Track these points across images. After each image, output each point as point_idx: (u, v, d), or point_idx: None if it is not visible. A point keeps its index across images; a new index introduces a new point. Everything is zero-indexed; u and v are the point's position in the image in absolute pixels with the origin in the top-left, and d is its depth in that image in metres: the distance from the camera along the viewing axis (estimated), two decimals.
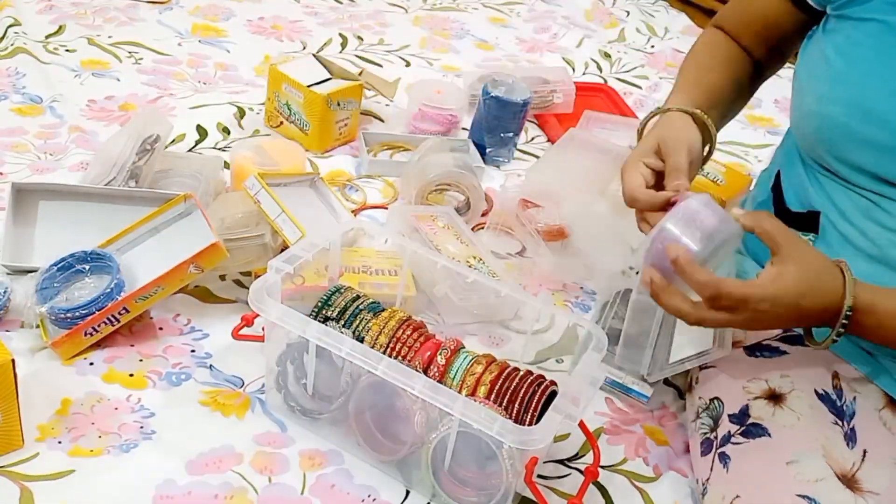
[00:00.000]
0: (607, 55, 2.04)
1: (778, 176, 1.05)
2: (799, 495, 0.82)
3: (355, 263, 1.15)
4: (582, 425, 0.93)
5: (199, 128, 1.47)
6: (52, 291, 1.01)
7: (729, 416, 0.93)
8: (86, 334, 0.98)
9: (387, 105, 1.64)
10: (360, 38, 1.92)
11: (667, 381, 1.06)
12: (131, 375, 0.98)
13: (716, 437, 0.93)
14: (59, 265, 1.03)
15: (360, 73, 1.61)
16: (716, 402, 0.96)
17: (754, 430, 0.90)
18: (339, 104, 1.44)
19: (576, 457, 0.97)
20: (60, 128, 1.42)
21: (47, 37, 1.70)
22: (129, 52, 1.69)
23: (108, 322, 0.99)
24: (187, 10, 1.90)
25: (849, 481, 0.84)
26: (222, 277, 1.14)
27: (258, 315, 0.90)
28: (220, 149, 1.43)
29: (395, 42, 1.93)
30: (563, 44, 2.07)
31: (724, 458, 0.90)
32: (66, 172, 1.30)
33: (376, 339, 0.92)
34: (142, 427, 0.92)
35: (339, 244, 1.04)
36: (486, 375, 0.90)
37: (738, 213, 0.85)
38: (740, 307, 0.81)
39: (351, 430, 0.91)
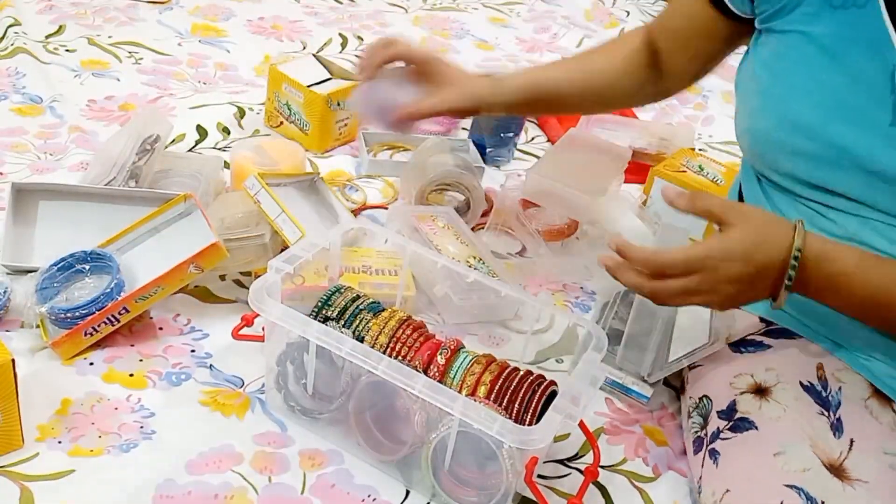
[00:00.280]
0: None
1: (741, 189, 1.08)
2: (787, 485, 0.82)
3: (355, 263, 1.15)
4: (582, 425, 0.93)
5: (199, 128, 1.47)
6: (52, 291, 1.01)
7: (717, 412, 0.93)
8: (86, 334, 0.98)
9: None
10: (360, 38, 1.92)
11: (666, 382, 1.07)
12: (131, 375, 0.98)
13: (706, 435, 0.93)
14: (59, 265, 1.03)
15: None
16: (704, 399, 0.97)
17: (742, 425, 0.90)
18: (339, 104, 1.44)
19: (576, 457, 0.97)
20: (60, 128, 1.42)
21: (47, 37, 1.70)
22: (129, 52, 1.69)
23: (108, 322, 0.99)
24: (187, 10, 1.90)
25: (836, 470, 0.84)
26: (222, 277, 1.14)
27: (258, 315, 0.90)
28: (220, 149, 1.43)
29: None
30: (563, 44, 2.07)
31: (713, 454, 0.90)
32: (66, 172, 1.30)
33: (376, 339, 0.92)
34: (142, 427, 0.92)
35: (339, 244, 1.04)
36: (486, 375, 0.90)
37: (671, 194, 0.86)
38: (689, 271, 0.82)
39: (351, 429, 0.91)
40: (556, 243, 1.30)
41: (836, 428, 0.88)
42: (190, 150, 1.41)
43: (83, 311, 0.98)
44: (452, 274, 1.08)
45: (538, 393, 0.89)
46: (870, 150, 0.86)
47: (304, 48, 1.84)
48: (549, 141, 1.64)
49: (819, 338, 0.96)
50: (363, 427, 0.91)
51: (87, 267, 1.04)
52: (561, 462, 0.96)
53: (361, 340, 0.92)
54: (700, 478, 0.91)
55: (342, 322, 0.94)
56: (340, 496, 0.88)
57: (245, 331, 0.99)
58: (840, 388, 0.91)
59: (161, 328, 1.05)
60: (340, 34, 1.92)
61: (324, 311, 0.95)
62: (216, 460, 0.90)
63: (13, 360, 0.82)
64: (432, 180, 1.29)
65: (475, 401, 0.84)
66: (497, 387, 0.89)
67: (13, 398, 0.84)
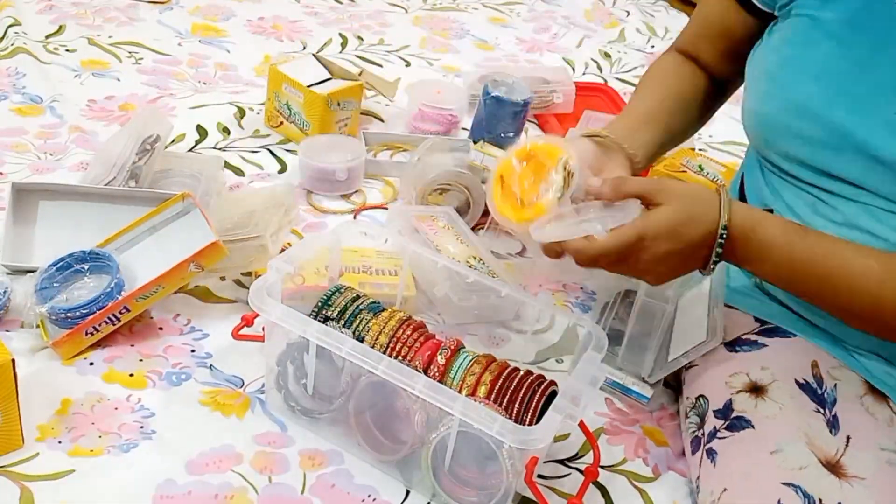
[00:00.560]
0: (607, 55, 2.04)
1: (742, 178, 1.08)
2: (784, 483, 0.82)
3: (355, 263, 1.15)
4: (582, 425, 0.93)
5: (199, 128, 1.47)
6: (51, 291, 1.01)
7: (714, 411, 0.94)
8: (86, 334, 0.98)
9: (387, 105, 1.64)
10: (360, 38, 1.92)
11: (666, 383, 1.07)
12: (131, 375, 0.98)
13: (703, 434, 0.93)
14: (58, 265, 1.03)
15: (360, 73, 1.61)
16: (701, 399, 0.97)
17: (738, 424, 0.90)
18: (339, 104, 1.44)
19: (576, 457, 0.97)
20: (60, 128, 1.42)
21: (47, 37, 1.70)
22: (129, 52, 1.69)
23: (108, 321, 0.99)
24: (187, 10, 1.91)
25: (833, 467, 0.83)
26: (222, 278, 1.14)
27: (258, 315, 0.90)
28: (220, 149, 1.43)
29: (395, 42, 1.93)
30: (563, 44, 2.07)
31: (711, 453, 0.90)
32: (66, 172, 1.30)
33: (376, 339, 0.92)
34: (142, 427, 0.92)
35: (339, 244, 1.04)
36: (486, 375, 0.90)
37: (594, 183, 0.88)
38: (621, 258, 0.85)
39: (351, 430, 0.91)
40: None
41: (832, 425, 0.88)
42: (190, 150, 1.41)
43: (84, 311, 0.98)
44: (452, 274, 1.08)
45: (538, 393, 0.89)
46: (872, 136, 0.87)
47: (304, 48, 1.84)
48: None
49: (816, 333, 0.97)
50: (363, 427, 0.91)
51: (86, 266, 1.04)
52: (561, 462, 0.96)
53: (361, 340, 0.92)
54: (698, 477, 0.91)
55: (342, 322, 0.94)
56: (340, 496, 0.88)
57: (245, 331, 0.99)
58: (835, 386, 0.91)
59: (161, 328, 1.05)
60: (340, 34, 1.92)
61: (324, 311, 0.95)
62: (216, 460, 0.90)
63: (13, 360, 0.82)
64: (432, 180, 1.29)
65: (475, 401, 0.84)
66: (497, 387, 0.89)
67: (13, 398, 0.84)
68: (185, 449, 0.90)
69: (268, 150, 1.45)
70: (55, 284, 1.02)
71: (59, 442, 0.89)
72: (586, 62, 1.98)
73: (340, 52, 1.85)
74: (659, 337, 1.04)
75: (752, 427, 0.89)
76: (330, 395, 0.92)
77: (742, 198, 1.06)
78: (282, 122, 1.48)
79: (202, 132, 1.46)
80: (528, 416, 0.88)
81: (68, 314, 0.98)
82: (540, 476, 0.93)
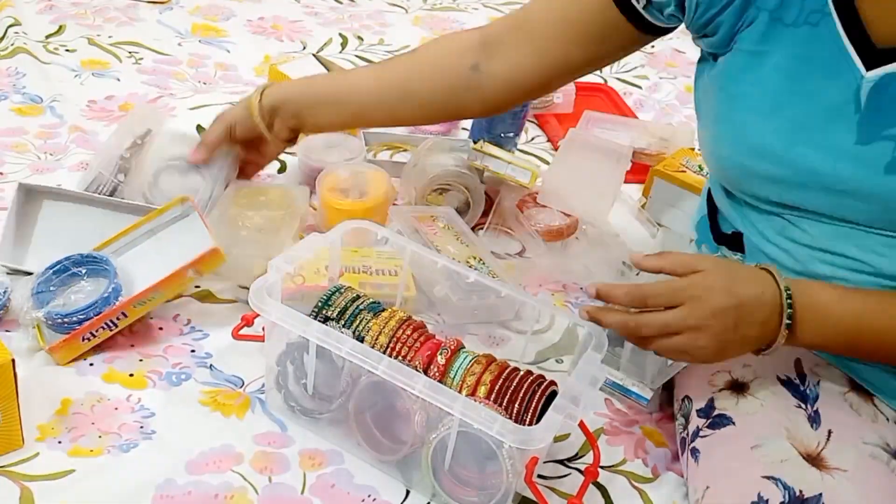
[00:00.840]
0: None
1: (710, 197, 1.06)
2: (764, 476, 0.81)
3: (355, 263, 1.15)
4: (582, 425, 0.93)
5: (199, 128, 1.46)
6: (48, 296, 1.01)
7: (697, 411, 0.94)
8: (83, 339, 0.98)
9: None
10: (360, 38, 1.92)
11: (665, 385, 1.06)
12: (131, 375, 0.98)
13: (687, 434, 0.93)
14: (55, 268, 1.02)
15: None
16: (686, 400, 0.97)
17: (720, 421, 0.90)
18: None
19: (576, 457, 0.97)
20: (60, 128, 1.42)
21: (47, 37, 1.70)
22: (129, 52, 1.69)
23: (105, 327, 0.98)
24: (187, 10, 1.90)
25: (814, 460, 0.83)
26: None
27: (258, 315, 0.90)
28: None
29: (395, 42, 1.93)
30: None
31: (694, 452, 0.90)
32: (66, 172, 1.30)
33: (376, 339, 0.92)
34: (142, 427, 0.92)
35: (339, 244, 1.04)
36: (486, 375, 0.90)
37: (637, 258, 0.88)
38: (673, 300, 0.83)
39: (351, 430, 0.91)
40: (556, 243, 1.30)
41: (814, 420, 0.87)
42: None
43: (81, 317, 0.98)
44: (452, 274, 1.08)
45: (538, 393, 0.89)
46: (836, 170, 0.83)
47: (304, 48, 1.84)
48: (548, 141, 1.64)
49: None
50: (363, 427, 0.91)
51: (84, 270, 1.03)
52: (561, 462, 0.96)
53: (361, 340, 0.92)
54: (686, 477, 0.91)
55: (342, 322, 0.94)
56: (340, 496, 0.88)
57: (245, 331, 0.99)
58: (818, 382, 0.91)
59: (161, 328, 1.05)
60: (340, 34, 1.92)
61: (324, 311, 0.95)
62: (216, 460, 0.90)
63: (13, 360, 0.82)
64: (432, 180, 1.29)
65: (475, 401, 0.84)
66: (497, 387, 0.89)
67: (13, 398, 0.84)
68: (185, 449, 0.90)
69: None
70: (52, 288, 1.02)
71: (59, 442, 0.89)
72: None
73: (340, 52, 1.84)
74: None
75: (734, 424, 0.89)
76: (330, 395, 0.92)
77: (713, 218, 1.05)
78: None
79: (202, 132, 1.45)
80: (528, 416, 0.88)
81: (65, 319, 0.97)
82: (540, 476, 0.93)
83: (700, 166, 1.41)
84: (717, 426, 0.90)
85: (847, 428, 0.87)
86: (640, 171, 1.48)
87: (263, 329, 0.97)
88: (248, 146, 1.20)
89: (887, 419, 0.89)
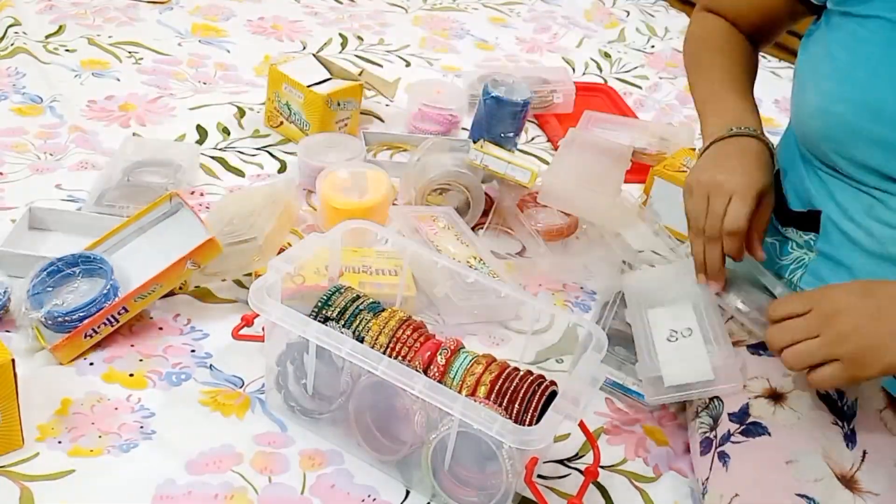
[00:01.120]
0: (607, 55, 2.04)
1: (777, 176, 1.04)
2: (798, 495, 0.82)
3: (355, 263, 1.15)
4: (582, 425, 0.92)
5: (199, 128, 1.47)
6: (44, 297, 1.01)
7: (729, 415, 0.93)
8: (85, 336, 0.98)
9: (387, 105, 1.64)
10: (360, 38, 1.92)
11: None
12: (131, 375, 0.98)
13: (715, 437, 0.92)
14: (48, 269, 1.02)
15: (360, 73, 1.61)
16: (715, 400, 0.96)
17: (754, 429, 0.90)
18: (339, 104, 1.44)
19: (576, 457, 0.97)
20: (60, 128, 1.42)
21: (47, 37, 1.70)
22: (129, 52, 1.69)
23: (107, 323, 0.99)
24: (187, 10, 1.90)
25: (848, 482, 0.83)
26: (223, 279, 1.14)
27: (258, 315, 0.90)
28: (220, 149, 1.43)
29: (395, 42, 1.93)
30: (563, 44, 2.07)
31: (723, 457, 0.90)
32: (66, 172, 1.30)
33: (376, 339, 0.92)
34: (142, 427, 0.92)
35: (339, 244, 1.04)
36: (486, 375, 0.90)
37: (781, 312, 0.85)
38: (806, 306, 0.81)
39: (351, 430, 0.91)
40: (556, 243, 1.30)
41: (850, 439, 0.87)
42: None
43: (82, 314, 0.98)
44: (453, 274, 1.08)
45: (538, 393, 0.89)
46: None
47: (304, 48, 1.84)
48: (548, 141, 1.64)
49: None
50: (363, 427, 0.91)
51: (77, 270, 1.03)
52: (561, 462, 0.96)
53: (361, 340, 0.92)
54: (707, 479, 0.90)
55: (342, 322, 0.94)
56: (340, 496, 0.88)
57: (245, 331, 0.99)
58: (856, 399, 0.91)
59: (161, 328, 1.05)
60: (340, 34, 1.92)
61: (324, 311, 0.95)
62: (216, 460, 0.90)
63: (13, 360, 0.82)
64: (432, 180, 1.29)
65: (475, 401, 0.84)
66: (497, 387, 0.89)
67: (13, 398, 0.84)
68: (185, 449, 0.90)
69: (267, 151, 1.45)
70: (48, 289, 1.02)
71: (59, 442, 0.89)
72: (586, 62, 1.98)
73: (340, 52, 1.84)
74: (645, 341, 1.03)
75: (769, 434, 0.88)
76: (330, 396, 0.92)
77: (779, 197, 1.03)
78: (282, 122, 1.48)
79: (202, 132, 1.46)
80: (528, 417, 0.88)
81: (66, 318, 0.98)
82: (540, 476, 0.93)
83: None
84: (752, 434, 0.89)
85: (881, 449, 0.87)
86: (640, 171, 1.48)
87: (263, 329, 0.97)
88: None
89: None
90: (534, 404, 0.88)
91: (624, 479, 0.96)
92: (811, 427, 0.88)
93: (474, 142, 1.34)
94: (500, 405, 0.88)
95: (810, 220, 0.98)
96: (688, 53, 1.15)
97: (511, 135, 1.49)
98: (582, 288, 1.25)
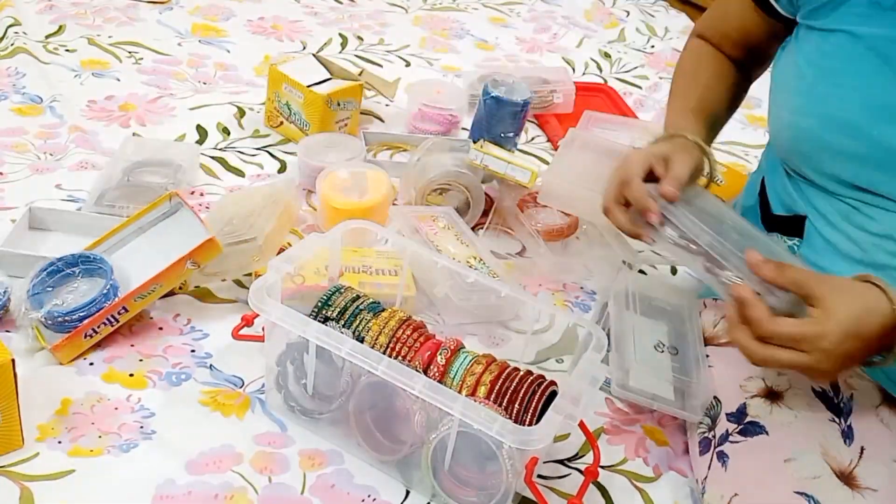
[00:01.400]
0: (607, 55, 2.04)
1: (763, 182, 1.06)
2: (797, 492, 0.82)
3: (355, 263, 1.15)
4: (582, 425, 0.93)
5: (199, 128, 1.47)
6: (44, 297, 1.01)
7: (727, 415, 0.93)
8: (86, 336, 0.98)
9: (387, 105, 1.64)
10: (360, 38, 1.92)
11: None
12: (131, 375, 0.98)
13: (714, 436, 0.93)
14: (48, 269, 1.02)
15: (360, 73, 1.61)
16: (714, 401, 0.96)
17: (752, 429, 0.90)
18: (339, 104, 1.44)
19: (576, 457, 0.97)
20: (60, 128, 1.42)
21: (47, 37, 1.70)
22: (129, 52, 1.69)
23: (107, 322, 0.99)
24: (187, 10, 1.91)
25: (846, 478, 0.84)
26: (223, 279, 1.14)
27: (258, 315, 0.90)
28: (220, 149, 1.43)
29: (395, 42, 1.93)
30: (563, 44, 2.07)
31: (722, 456, 0.90)
32: (66, 172, 1.30)
33: (376, 339, 0.92)
34: (142, 427, 0.92)
35: (339, 244, 1.04)
36: (486, 375, 0.90)
37: (755, 260, 0.83)
38: (800, 348, 0.78)
39: (351, 430, 0.91)
40: (556, 243, 1.30)
41: (847, 435, 0.88)
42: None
43: (82, 314, 0.98)
44: (453, 274, 1.08)
45: (538, 393, 0.89)
46: None
47: (304, 48, 1.84)
48: (548, 141, 1.64)
49: None
50: (363, 427, 0.91)
51: (77, 270, 1.03)
52: (561, 462, 0.96)
53: (361, 340, 0.92)
54: (705, 478, 0.90)
55: (342, 322, 0.94)
56: (340, 496, 0.88)
57: (245, 331, 0.99)
58: (852, 396, 0.91)
59: (161, 328, 1.05)
60: (340, 34, 1.92)
61: (324, 311, 0.95)
62: (216, 460, 0.90)
63: (13, 360, 0.82)
64: (432, 180, 1.29)
65: (475, 401, 0.84)
66: (497, 387, 0.89)
67: (13, 398, 0.84)
68: (185, 449, 0.90)
69: (267, 151, 1.45)
70: (48, 289, 1.02)
71: (59, 442, 0.89)
72: (586, 62, 1.98)
73: (340, 52, 1.85)
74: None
75: (766, 433, 0.89)
76: (330, 395, 0.92)
77: (764, 203, 1.04)
78: (282, 122, 1.48)
79: (202, 132, 1.46)
80: (528, 417, 0.88)
81: (66, 318, 0.98)
82: (540, 476, 0.93)
83: None
84: (749, 434, 0.90)
85: (879, 445, 0.87)
86: None
87: (263, 329, 0.97)
88: None
89: None
90: (534, 404, 0.88)
91: (624, 479, 0.96)
92: (808, 425, 0.89)
93: (474, 142, 1.34)
94: (500, 405, 0.88)
95: (794, 226, 0.99)
96: (672, 79, 1.16)
97: (511, 135, 1.49)
98: (582, 288, 1.25)
